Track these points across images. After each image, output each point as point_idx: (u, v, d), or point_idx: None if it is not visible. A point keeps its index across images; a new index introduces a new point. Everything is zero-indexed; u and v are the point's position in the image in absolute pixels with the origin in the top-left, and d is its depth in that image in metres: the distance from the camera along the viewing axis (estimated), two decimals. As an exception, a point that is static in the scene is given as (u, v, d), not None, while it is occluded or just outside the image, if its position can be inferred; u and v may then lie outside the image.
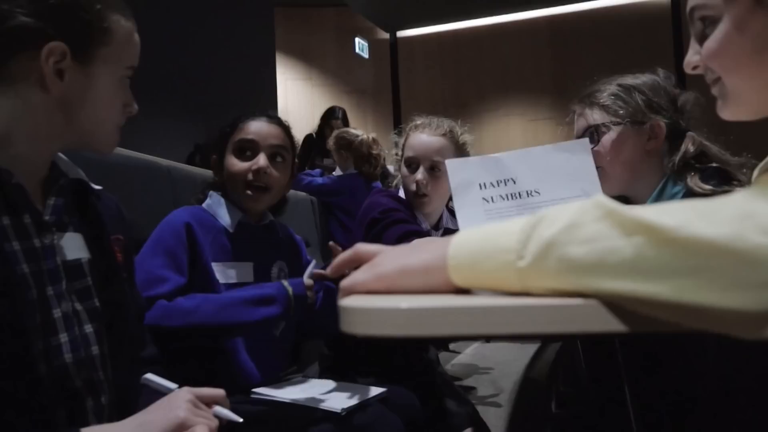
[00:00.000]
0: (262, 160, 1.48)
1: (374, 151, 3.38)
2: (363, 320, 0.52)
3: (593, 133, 1.41)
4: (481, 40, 8.12)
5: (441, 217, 1.89)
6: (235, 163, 1.49)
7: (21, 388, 0.80)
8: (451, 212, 1.91)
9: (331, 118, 4.77)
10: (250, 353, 1.46)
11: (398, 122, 7.82)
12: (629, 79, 1.42)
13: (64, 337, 0.87)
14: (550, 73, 7.78)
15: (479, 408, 1.80)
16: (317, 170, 3.57)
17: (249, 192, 1.49)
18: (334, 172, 3.59)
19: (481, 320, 0.50)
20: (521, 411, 2.00)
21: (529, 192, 1.20)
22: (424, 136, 1.80)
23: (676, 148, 1.35)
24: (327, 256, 1.51)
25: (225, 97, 4.55)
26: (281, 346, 1.56)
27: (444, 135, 1.81)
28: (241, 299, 1.31)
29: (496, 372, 2.35)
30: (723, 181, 1.25)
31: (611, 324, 0.48)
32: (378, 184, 3.41)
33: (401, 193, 1.88)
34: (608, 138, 1.40)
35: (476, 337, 0.52)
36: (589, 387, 1.48)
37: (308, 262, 1.54)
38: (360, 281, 0.59)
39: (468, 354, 2.63)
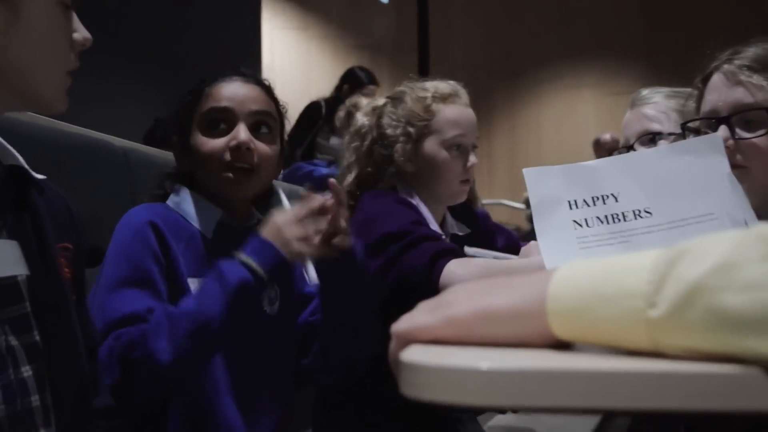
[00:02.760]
0: (242, 132, 1.50)
1: None
2: (430, 383, 0.53)
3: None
4: (544, -15, 8.14)
5: (444, 219, 1.97)
6: (206, 142, 1.51)
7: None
8: (453, 213, 1.99)
9: (354, 82, 4.65)
10: (237, 402, 1.48)
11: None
12: None
13: None
14: (638, 32, 7.76)
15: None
16: (321, 161, 3.56)
17: (230, 174, 1.50)
18: None
19: (596, 390, 0.51)
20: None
21: (636, 212, 1.20)
22: (464, 108, 1.92)
23: None
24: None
25: (194, 53, 4.55)
26: (277, 393, 1.58)
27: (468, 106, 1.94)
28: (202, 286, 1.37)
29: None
30: None
31: (781, 401, 0.48)
32: None
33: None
34: None
35: (585, 411, 0.52)
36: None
37: (309, 285, 1.57)
38: (424, 325, 0.60)
39: (511, 414, 2.61)
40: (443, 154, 1.87)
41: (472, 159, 1.88)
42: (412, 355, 0.55)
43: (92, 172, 1.71)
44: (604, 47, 7.95)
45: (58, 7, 0.96)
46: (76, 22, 1.00)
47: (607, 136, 6.23)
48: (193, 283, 1.43)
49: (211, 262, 1.44)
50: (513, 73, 8.03)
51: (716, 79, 1.42)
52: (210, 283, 1.34)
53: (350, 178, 1.94)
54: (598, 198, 1.22)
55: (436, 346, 0.59)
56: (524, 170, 1.28)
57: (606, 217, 1.20)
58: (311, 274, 1.45)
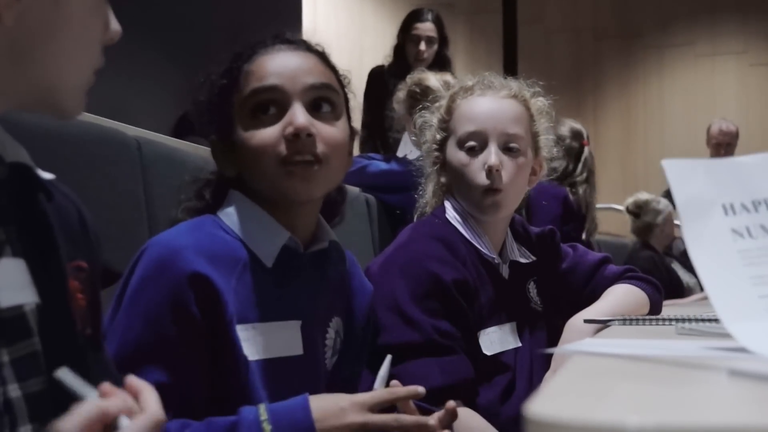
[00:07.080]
0: (299, 114, 1.32)
1: None
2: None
3: None
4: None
5: (505, 242, 1.84)
6: (252, 135, 1.34)
7: None
8: (515, 233, 1.88)
9: (404, 25, 4.06)
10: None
11: (511, 61, 7.06)
12: None
13: None
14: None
15: None
16: (377, 155, 3.26)
17: (290, 168, 1.32)
18: (408, 152, 3.13)
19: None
20: None
21: None
22: (485, 100, 1.79)
23: None
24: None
25: (219, 18, 4.23)
26: None
27: (515, 98, 1.80)
28: None
29: None
30: None
31: None
32: None
33: (450, 214, 1.79)
34: None
35: None
36: None
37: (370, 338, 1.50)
38: None
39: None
40: (458, 155, 1.76)
41: (492, 159, 1.68)
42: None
43: (99, 168, 1.63)
44: (750, 2, 7.09)
45: None
46: (107, 7, 0.96)
47: (722, 125, 5.58)
48: (242, 331, 1.29)
49: (267, 302, 1.33)
50: (628, 37, 7.21)
51: None
52: None
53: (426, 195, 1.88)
54: (759, 203, 1.10)
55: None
56: (664, 162, 1.13)
57: None
58: None
